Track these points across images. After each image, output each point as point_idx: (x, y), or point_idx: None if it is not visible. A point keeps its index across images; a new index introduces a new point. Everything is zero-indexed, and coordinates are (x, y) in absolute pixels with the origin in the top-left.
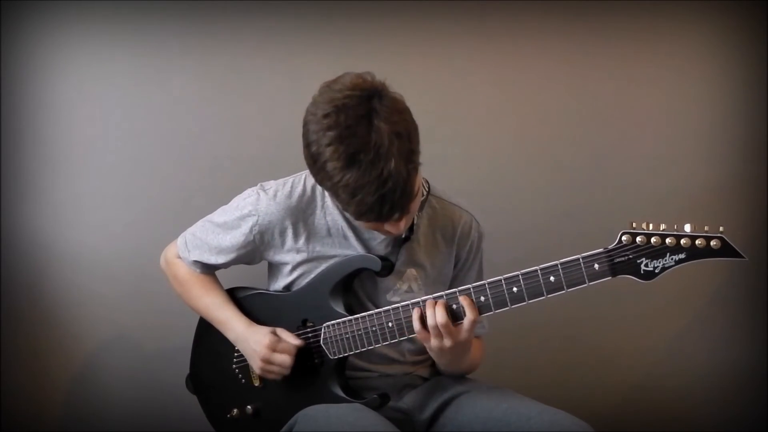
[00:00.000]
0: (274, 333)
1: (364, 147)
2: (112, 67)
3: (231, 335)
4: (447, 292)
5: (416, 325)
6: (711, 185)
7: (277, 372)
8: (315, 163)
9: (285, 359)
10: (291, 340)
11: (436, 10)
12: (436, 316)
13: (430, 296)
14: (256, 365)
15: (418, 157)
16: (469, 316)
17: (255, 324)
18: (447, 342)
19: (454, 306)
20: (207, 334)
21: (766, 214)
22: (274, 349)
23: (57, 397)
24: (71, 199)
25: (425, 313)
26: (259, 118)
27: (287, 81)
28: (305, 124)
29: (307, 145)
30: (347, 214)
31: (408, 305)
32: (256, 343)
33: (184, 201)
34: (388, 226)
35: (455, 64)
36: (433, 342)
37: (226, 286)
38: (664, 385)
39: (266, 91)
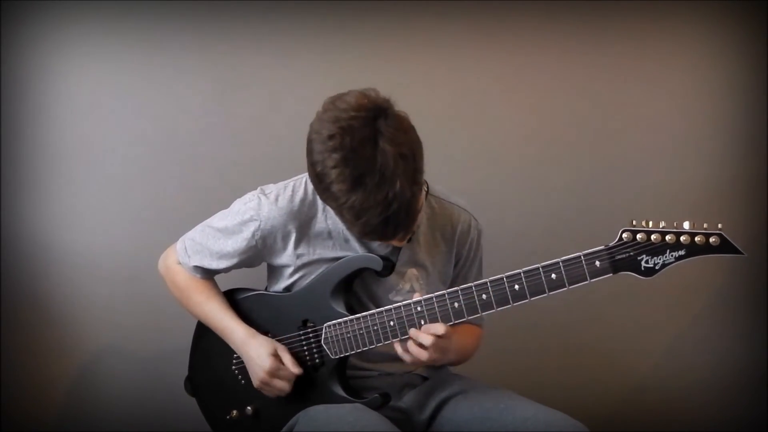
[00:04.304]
0: (275, 355)
1: (370, 170)
2: (112, 69)
3: (230, 343)
4: (449, 290)
5: (406, 358)
6: (711, 185)
7: (274, 394)
8: (320, 183)
9: (284, 386)
10: (291, 368)
11: (438, 10)
12: (413, 352)
13: (432, 295)
14: (254, 382)
15: (422, 176)
16: (435, 331)
17: (255, 334)
18: (435, 356)
19: (456, 304)
20: (206, 335)
21: (766, 213)
22: (274, 376)
23: (56, 398)
24: (71, 200)
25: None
26: (260, 120)
27: (288, 83)
28: (309, 142)
29: (311, 164)
30: (344, 224)
31: (410, 304)
32: (257, 365)
33: (184, 203)
34: (391, 240)
35: (456, 64)
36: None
37: (225, 287)
38: (664, 386)
39: (267, 94)
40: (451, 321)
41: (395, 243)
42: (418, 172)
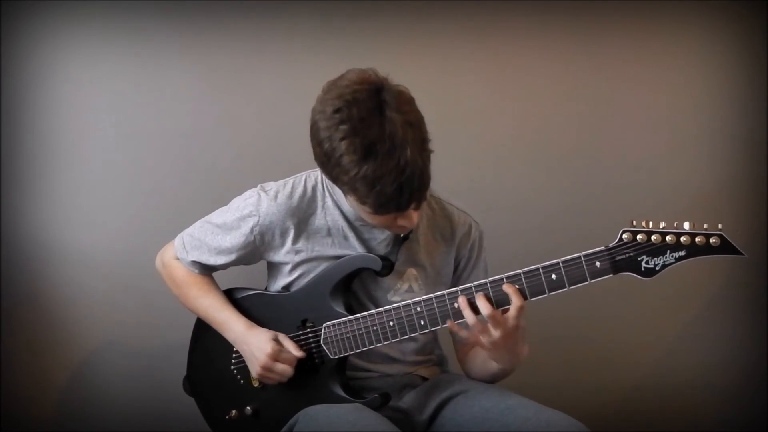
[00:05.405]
0: (276, 340)
1: (379, 138)
2: (112, 67)
3: (230, 336)
4: (449, 291)
5: (470, 318)
6: (711, 185)
7: (276, 380)
8: (329, 160)
9: (286, 369)
10: (293, 350)
11: (435, 10)
12: (481, 308)
13: (432, 295)
14: (254, 370)
15: (429, 145)
16: (515, 302)
17: (255, 325)
18: (496, 333)
19: (456, 305)
20: (204, 334)
21: (766, 213)
22: (276, 359)
23: (55, 396)
24: (71, 198)
25: (466, 307)
26: (258, 118)
27: (286, 81)
28: (314, 123)
29: (318, 143)
30: (348, 215)
31: (409, 304)
32: (258, 350)
33: (183, 200)
34: (401, 221)
35: (455, 64)
36: (483, 337)
37: (225, 286)
38: (664, 386)
39: (265, 92)
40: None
41: (406, 223)
42: (426, 141)
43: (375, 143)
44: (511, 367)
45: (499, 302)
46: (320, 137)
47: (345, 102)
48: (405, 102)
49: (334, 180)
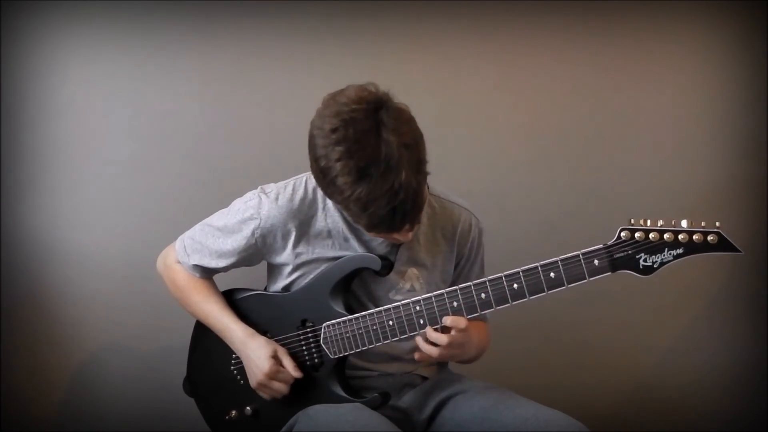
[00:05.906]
0: (275, 357)
1: (375, 160)
2: (113, 68)
3: (229, 343)
4: (448, 290)
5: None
6: (711, 185)
7: (271, 396)
8: (324, 178)
9: (281, 388)
10: (292, 371)
11: (436, 10)
12: (437, 341)
13: (431, 294)
14: (251, 383)
15: (426, 166)
16: (459, 327)
17: (254, 334)
18: (454, 352)
19: (455, 303)
20: (204, 335)
21: (765, 213)
22: (272, 378)
23: (56, 396)
24: (71, 199)
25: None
26: (260, 120)
27: (288, 83)
28: (312, 138)
29: (315, 160)
30: (350, 217)
31: (408, 303)
32: (256, 366)
33: (184, 202)
34: (396, 234)
35: (456, 65)
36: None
37: (225, 287)
38: (664, 386)
39: (267, 94)
40: None
41: (401, 237)
42: (422, 162)
43: (370, 165)
44: (473, 360)
45: (498, 300)
46: (317, 154)
47: (342, 121)
48: (403, 122)
49: (329, 196)
